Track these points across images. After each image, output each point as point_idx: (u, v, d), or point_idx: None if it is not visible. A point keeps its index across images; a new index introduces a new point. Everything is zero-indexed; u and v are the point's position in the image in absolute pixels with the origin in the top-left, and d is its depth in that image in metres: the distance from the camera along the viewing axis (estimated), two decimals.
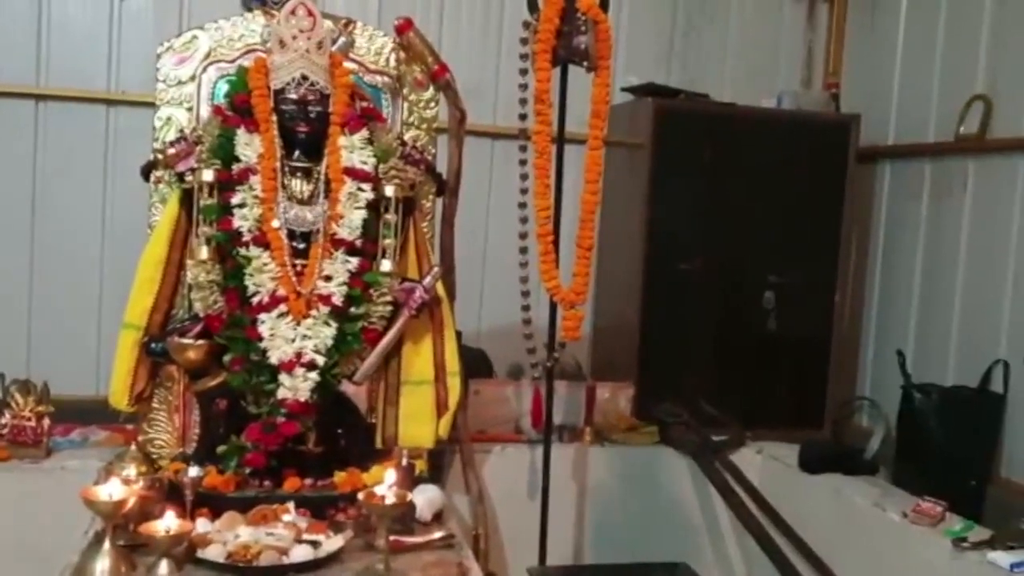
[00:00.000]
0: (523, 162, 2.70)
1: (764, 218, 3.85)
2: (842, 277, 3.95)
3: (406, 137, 2.71)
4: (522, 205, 2.72)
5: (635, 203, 3.75)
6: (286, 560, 2.09)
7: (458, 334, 2.71)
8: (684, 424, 3.25)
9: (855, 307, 4.12)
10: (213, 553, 2.08)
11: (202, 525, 2.18)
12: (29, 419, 2.71)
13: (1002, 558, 2.33)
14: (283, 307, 2.39)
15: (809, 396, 3.93)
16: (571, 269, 2.75)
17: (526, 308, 2.80)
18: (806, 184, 3.90)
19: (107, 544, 2.05)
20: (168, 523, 2.06)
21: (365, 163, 2.51)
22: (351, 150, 2.50)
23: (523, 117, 2.68)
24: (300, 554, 2.11)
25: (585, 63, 2.68)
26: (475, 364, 3.35)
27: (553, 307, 2.84)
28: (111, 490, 2.05)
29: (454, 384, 2.67)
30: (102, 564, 2.03)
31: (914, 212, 3.88)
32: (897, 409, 3.58)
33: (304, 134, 2.48)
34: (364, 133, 2.53)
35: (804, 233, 3.90)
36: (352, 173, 2.49)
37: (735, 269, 3.84)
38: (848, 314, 4.05)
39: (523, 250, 2.75)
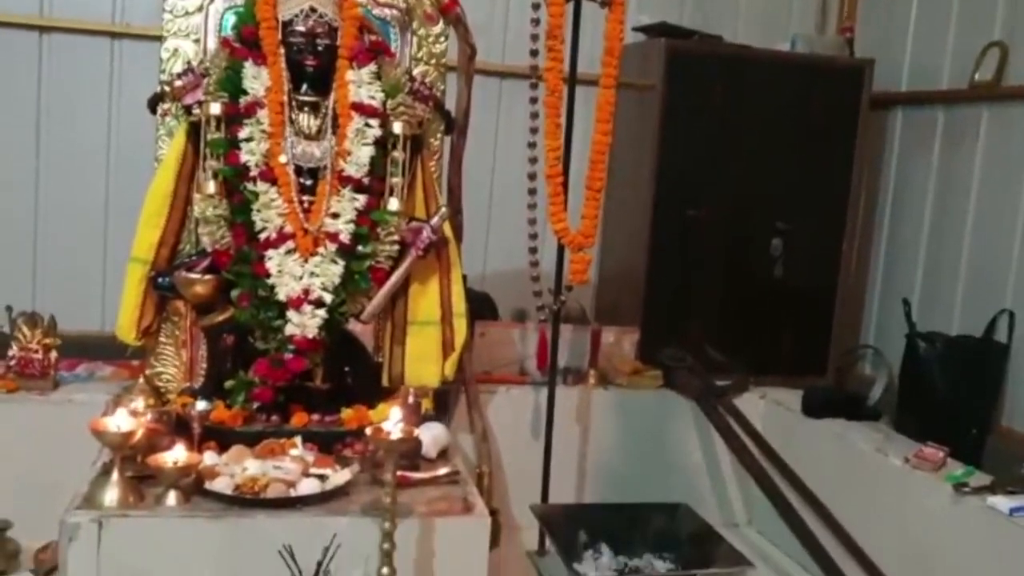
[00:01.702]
0: (534, 100, 2.67)
1: (774, 164, 3.82)
2: (850, 225, 3.94)
3: (415, 73, 2.67)
4: (531, 145, 2.69)
5: (644, 147, 3.72)
6: (293, 493, 2.11)
7: (463, 278, 2.71)
8: (688, 369, 3.25)
9: (862, 255, 4.12)
10: (221, 485, 2.10)
11: (209, 458, 2.19)
12: (36, 351, 2.71)
13: (1002, 503, 2.34)
14: (290, 244, 2.39)
15: (813, 343, 3.94)
16: (579, 212, 2.73)
17: (533, 251, 2.79)
18: (817, 130, 3.87)
19: (115, 475, 2.07)
20: (176, 455, 2.08)
21: (373, 98, 2.48)
22: (359, 84, 2.48)
23: (534, 54, 2.64)
24: (307, 487, 2.13)
25: None
26: (480, 308, 3.35)
27: (561, 250, 2.83)
28: (119, 422, 2.06)
29: (460, 325, 2.67)
30: (111, 494, 2.05)
31: (925, 160, 3.85)
32: (901, 358, 3.59)
33: (312, 67, 2.45)
34: (372, 67, 2.51)
35: (814, 180, 3.88)
36: (360, 108, 2.46)
37: (743, 215, 3.83)
38: (855, 262, 4.04)
39: (532, 191, 2.73)
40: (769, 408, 3.27)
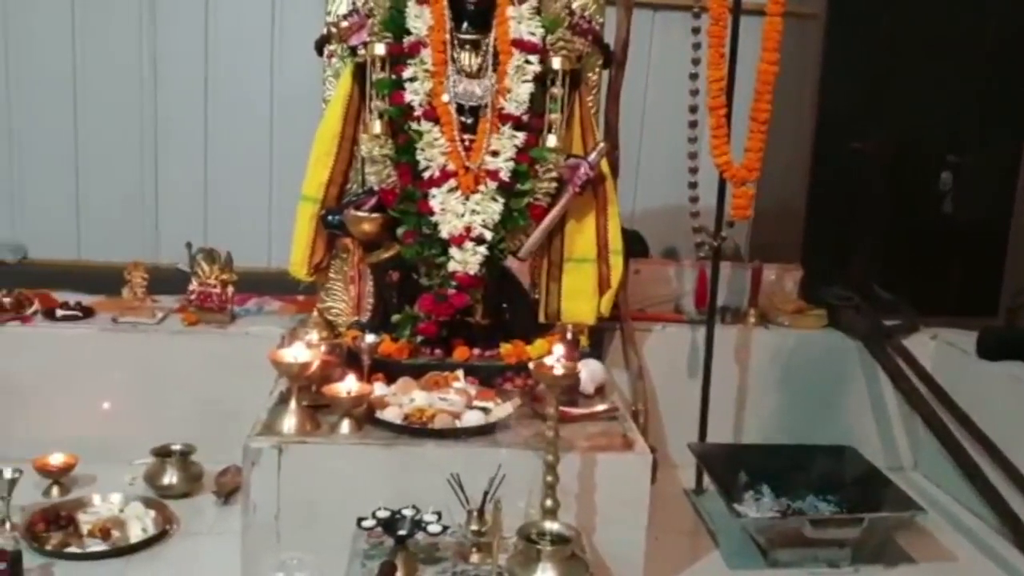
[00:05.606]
0: (696, 30, 2.59)
1: (944, 94, 3.61)
2: None
3: (574, 6, 2.62)
4: (693, 77, 2.62)
5: (805, 78, 3.58)
6: (459, 424, 2.17)
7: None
8: (855, 308, 3.13)
9: None
10: (391, 415, 2.18)
11: (379, 389, 2.28)
12: (214, 286, 2.85)
13: None
14: (453, 182, 2.42)
15: (983, 282, 3.75)
16: (742, 145, 2.65)
17: (693, 185, 2.73)
18: (991, 57, 3.62)
19: (293, 403, 2.17)
20: (350, 385, 2.16)
21: (533, 34, 2.47)
22: (519, 21, 2.47)
23: None
24: (472, 419, 2.19)
25: None
26: (630, 246, 3.29)
27: (721, 184, 2.76)
28: (297, 353, 2.16)
29: (616, 262, 2.66)
30: (289, 421, 2.15)
31: None
32: None
33: (473, 5, 2.45)
34: (532, 3, 2.49)
35: (987, 110, 3.65)
36: (520, 44, 2.46)
37: (910, 148, 3.64)
38: None
39: (692, 124, 2.67)
40: (940, 349, 3.12)
